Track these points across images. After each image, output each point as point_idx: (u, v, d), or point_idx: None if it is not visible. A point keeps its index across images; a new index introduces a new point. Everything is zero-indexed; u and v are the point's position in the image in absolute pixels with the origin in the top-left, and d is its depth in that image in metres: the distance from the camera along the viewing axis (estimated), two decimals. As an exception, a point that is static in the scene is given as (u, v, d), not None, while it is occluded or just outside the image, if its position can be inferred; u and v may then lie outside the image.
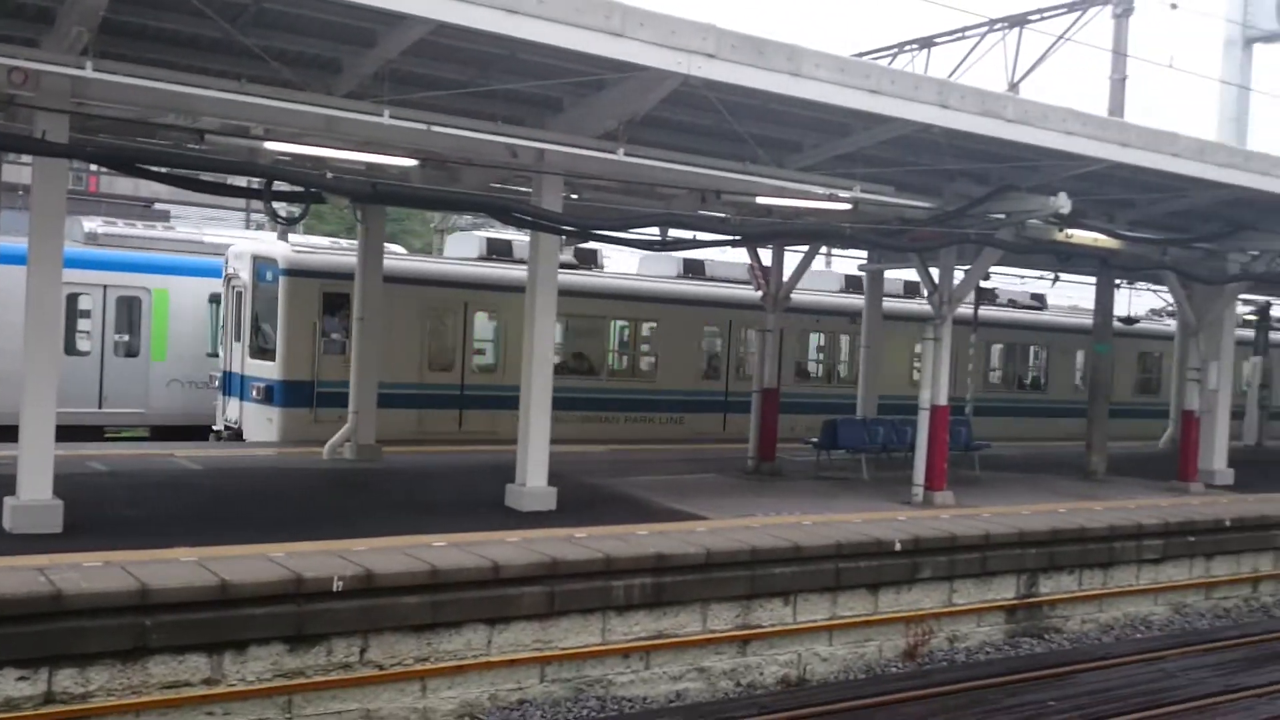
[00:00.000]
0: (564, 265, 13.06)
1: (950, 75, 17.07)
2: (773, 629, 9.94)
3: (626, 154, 10.08)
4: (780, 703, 9.10)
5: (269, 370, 16.26)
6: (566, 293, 12.26)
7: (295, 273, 16.40)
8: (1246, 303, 24.29)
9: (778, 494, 13.36)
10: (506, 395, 14.53)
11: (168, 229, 20.22)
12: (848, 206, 11.72)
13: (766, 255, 15.62)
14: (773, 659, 9.93)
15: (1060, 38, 16.76)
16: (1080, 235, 13.61)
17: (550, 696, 8.83)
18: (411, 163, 10.70)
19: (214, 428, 17.46)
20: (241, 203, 27.31)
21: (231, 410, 17.06)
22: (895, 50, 19.18)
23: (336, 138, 9.72)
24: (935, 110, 10.06)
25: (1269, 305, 25.37)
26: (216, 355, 18.07)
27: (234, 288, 17.29)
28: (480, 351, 18.26)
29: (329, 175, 10.46)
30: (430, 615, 8.29)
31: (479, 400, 17.41)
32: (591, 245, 18.42)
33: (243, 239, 19.56)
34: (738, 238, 12.62)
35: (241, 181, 11.68)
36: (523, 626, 8.73)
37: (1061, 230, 13.29)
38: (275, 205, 13.25)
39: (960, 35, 18.45)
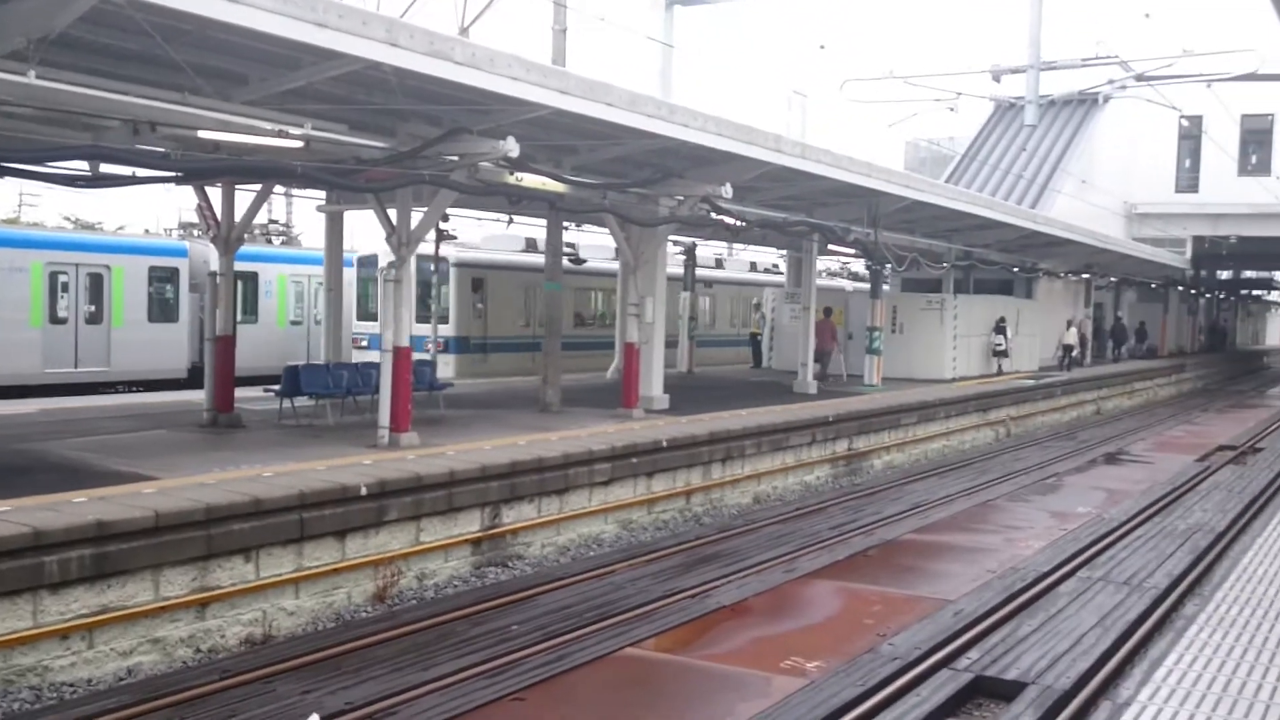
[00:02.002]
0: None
1: (402, 15, 16.93)
2: (234, 588, 9.46)
3: (39, 77, 8.90)
4: (244, 664, 8.72)
5: (444, 331, 23.46)
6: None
7: (460, 265, 24.00)
8: (676, 243, 26.88)
9: (237, 447, 12.73)
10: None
11: None
12: (299, 144, 11.27)
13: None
14: (235, 619, 9.47)
15: (507, -15, 17.24)
16: (530, 179, 14.19)
17: (-29, 695, 7.77)
18: None
19: None
20: None
21: None
22: (346, -14, 18.68)
23: None
24: (384, 48, 9.87)
25: (695, 245, 28.27)
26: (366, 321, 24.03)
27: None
28: None
29: None
30: None
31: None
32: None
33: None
34: (180, 174, 11.69)
35: None
36: (-69, 620, 7.59)
37: (512, 174, 13.77)
38: None
39: (412, -25, 18.36)
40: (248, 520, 9.52)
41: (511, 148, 12.09)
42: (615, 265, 27.71)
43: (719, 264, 34.74)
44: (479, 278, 24.57)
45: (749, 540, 13.52)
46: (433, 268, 21.82)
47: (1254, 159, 42.64)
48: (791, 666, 8.95)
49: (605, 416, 16.69)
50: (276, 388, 15.20)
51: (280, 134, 10.89)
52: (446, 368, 22.72)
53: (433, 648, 9.10)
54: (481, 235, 25.76)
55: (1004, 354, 29.74)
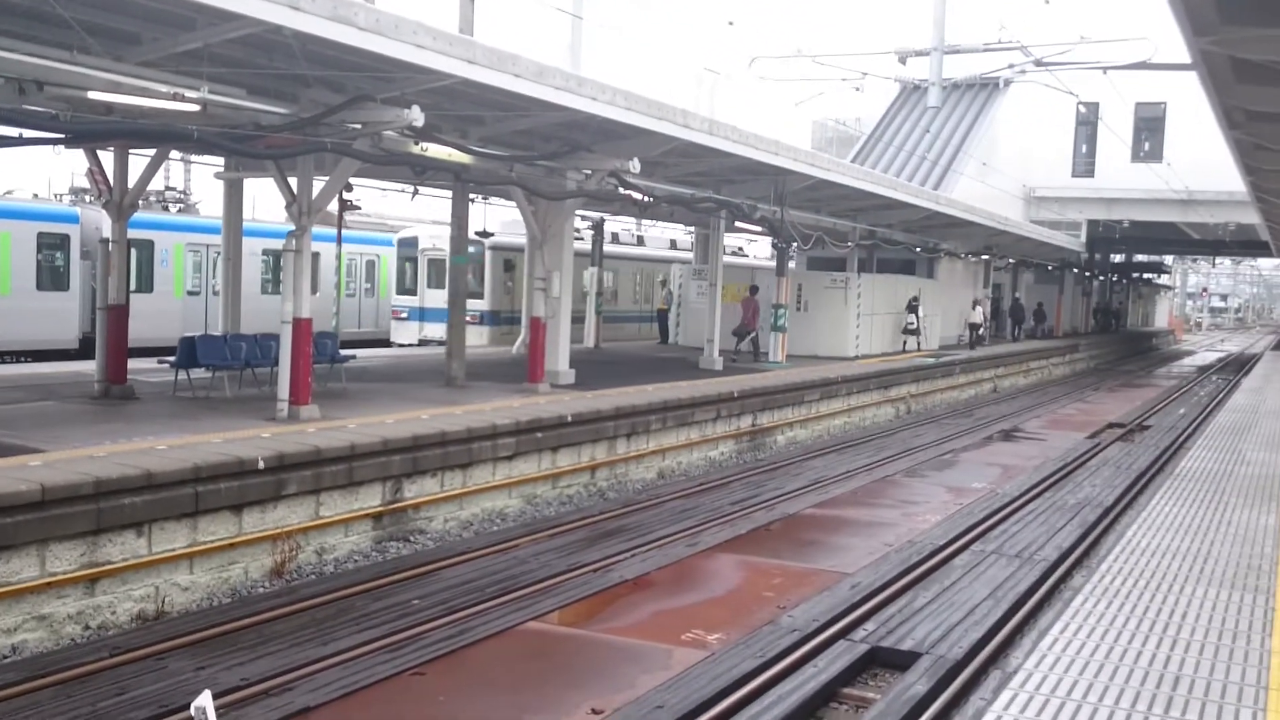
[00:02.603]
0: None
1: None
2: (125, 564, 9.21)
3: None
4: (135, 640, 8.52)
5: (479, 305, 26.40)
6: None
7: (494, 249, 27.21)
8: (584, 218, 26.79)
9: (129, 419, 12.38)
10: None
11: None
12: (195, 108, 10.94)
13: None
14: (127, 595, 9.23)
15: (413, -48, 16.89)
16: (435, 149, 13.99)
17: None
18: None
19: (401, 341, 27.55)
20: None
21: (431, 330, 26.72)
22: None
23: None
24: (285, 10, 9.59)
25: (603, 220, 28.22)
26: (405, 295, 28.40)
27: (429, 257, 27.70)
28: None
29: None
30: None
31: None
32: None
33: (431, 225, 30.44)
34: (68, 136, 11.27)
35: None
36: None
37: (417, 144, 13.56)
38: None
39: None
40: (139, 494, 9.27)
41: (416, 117, 11.90)
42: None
43: (614, 238, 35.09)
44: (510, 260, 27.74)
45: (652, 515, 13.60)
46: (337, 235, 21.44)
47: (1147, 146, 43.95)
48: (692, 639, 9.03)
49: (511, 391, 16.60)
50: (171, 359, 14.81)
51: (175, 97, 10.57)
52: (480, 338, 26.48)
53: (332, 623, 8.99)
54: (500, 222, 28.90)
55: (915, 332, 30.82)
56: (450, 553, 11.45)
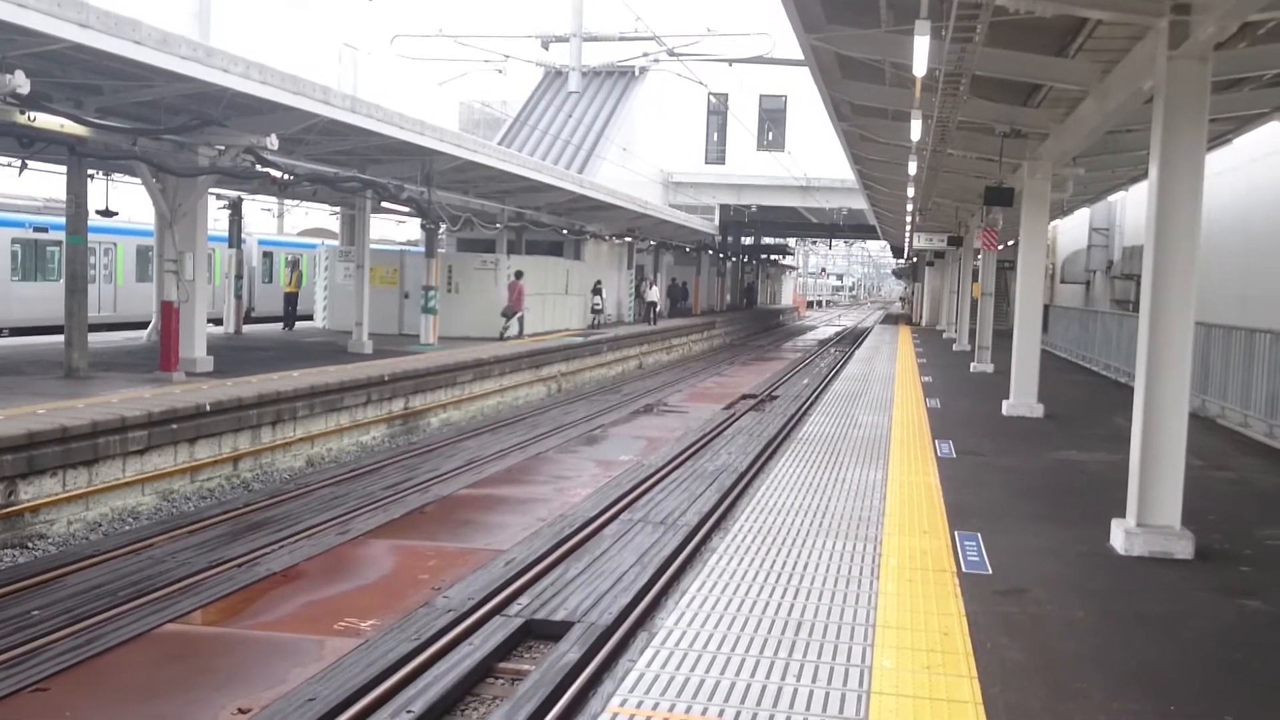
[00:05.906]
0: None
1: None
2: None
3: None
4: None
5: None
6: None
7: None
8: (220, 197, 25.43)
9: None
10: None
11: None
12: None
13: None
14: None
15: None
16: (46, 120, 12.83)
17: None
18: None
19: None
20: None
21: None
22: None
23: None
24: None
25: (241, 200, 26.88)
26: None
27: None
28: None
29: None
30: None
31: None
32: None
33: None
34: None
35: None
36: None
37: (24, 113, 12.38)
38: None
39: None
40: None
41: (20, 83, 10.86)
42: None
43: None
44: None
45: (301, 504, 13.18)
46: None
47: (770, 136, 47.20)
48: (345, 627, 8.86)
49: (142, 381, 15.53)
50: None
51: None
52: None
53: (-69, 644, 8.10)
54: None
55: (600, 311, 34.56)
56: (76, 557, 10.58)
